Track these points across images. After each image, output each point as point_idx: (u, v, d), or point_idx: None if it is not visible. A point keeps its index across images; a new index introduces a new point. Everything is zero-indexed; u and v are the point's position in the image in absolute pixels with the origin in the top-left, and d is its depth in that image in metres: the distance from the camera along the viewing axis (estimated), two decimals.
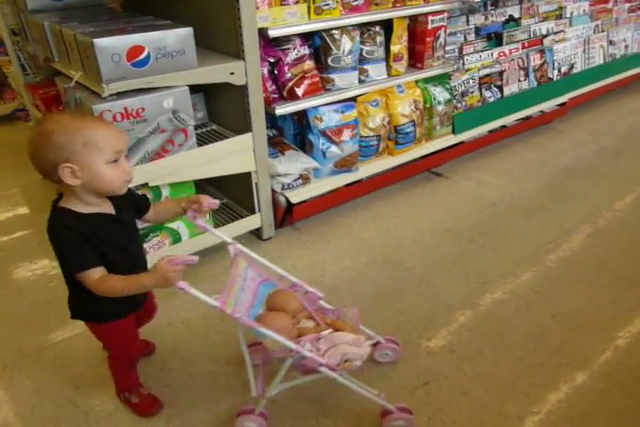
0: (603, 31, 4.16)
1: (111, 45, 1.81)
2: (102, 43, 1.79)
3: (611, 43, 4.20)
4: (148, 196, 2.21)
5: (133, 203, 1.53)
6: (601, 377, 1.86)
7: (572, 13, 3.99)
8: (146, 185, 2.14)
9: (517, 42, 3.59)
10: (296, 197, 2.60)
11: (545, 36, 3.74)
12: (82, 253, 1.33)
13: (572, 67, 3.93)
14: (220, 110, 2.52)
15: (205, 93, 2.53)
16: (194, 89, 2.15)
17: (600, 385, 1.83)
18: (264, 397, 1.60)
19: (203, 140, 2.35)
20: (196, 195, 1.54)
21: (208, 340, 2.06)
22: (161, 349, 2.01)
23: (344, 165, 2.75)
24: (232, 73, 2.15)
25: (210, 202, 1.52)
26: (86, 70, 1.97)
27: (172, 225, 2.28)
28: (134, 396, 1.77)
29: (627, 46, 4.37)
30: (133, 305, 1.59)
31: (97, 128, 1.31)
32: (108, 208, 1.43)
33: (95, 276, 1.33)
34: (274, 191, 2.57)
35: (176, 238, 2.31)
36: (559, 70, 3.84)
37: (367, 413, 1.71)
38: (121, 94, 1.92)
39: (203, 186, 2.71)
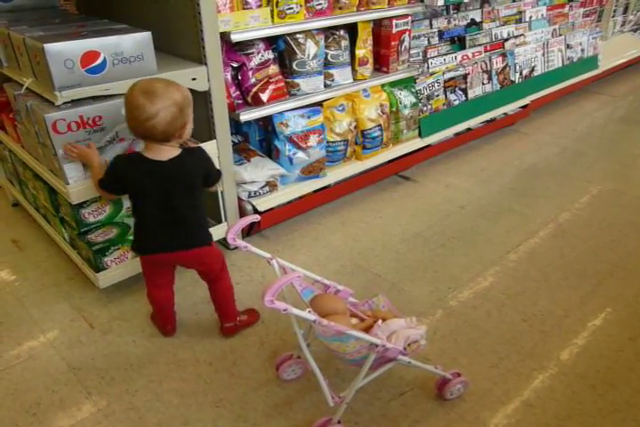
0: (560, 35, 4.26)
1: (63, 51, 1.71)
2: (54, 48, 1.69)
3: (568, 46, 4.30)
4: (108, 208, 2.12)
5: None
6: (573, 381, 1.87)
7: (530, 18, 4.06)
8: None
9: (480, 45, 3.62)
10: (263, 204, 2.54)
11: (506, 40, 3.79)
12: None
13: (532, 70, 4.00)
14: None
15: None
16: None
17: (573, 389, 1.84)
18: (344, 402, 1.61)
19: None
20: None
21: (176, 357, 1.98)
22: (127, 369, 1.93)
23: (311, 170, 2.71)
24: (194, 79, 2.07)
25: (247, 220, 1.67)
26: (37, 77, 1.86)
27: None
28: (243, 315, 2.06)
29: (583, 50, 4.47)
30: None
31: None
32: None
33: None
34: (240, 199, 2.50)
35: None
36: (521, 73, 3.90)
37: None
38: (76, 102, 1.82)
39: None
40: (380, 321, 1.60)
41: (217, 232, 2.44)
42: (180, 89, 1.61)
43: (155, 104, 1.52)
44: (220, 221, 2.46)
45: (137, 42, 1.85)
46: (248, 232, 2.64)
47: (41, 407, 1.77)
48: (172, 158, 1.66)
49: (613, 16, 4.96)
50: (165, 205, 1.72)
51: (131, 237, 2.17)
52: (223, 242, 2.58)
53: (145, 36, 1.87)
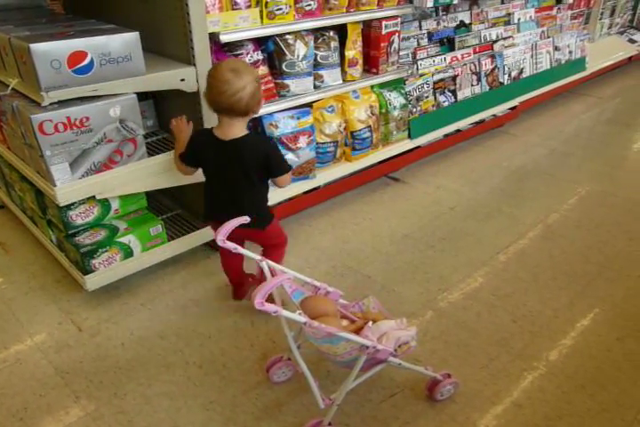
0: (548, 37, 4.29)
1: (50, 51, 1.69)
2: (40, 48, 1.67)
3: (556, 48, 4.33)
4: (96, 210, 2.10)
5: None
6: (563, 381, 1.88)
7: (519, 20, 4.08)
8: (93, 198, 2.02)
9: (469, 47, 3.64)
10: None
11: (495, 42, 3.81)
12: None
13: (521, 71, 4.02)
14: (172, 118, 2.41)
15: (155, 100, 2.42)
16: (142, 96, 2.05)
17: (562, 389, 1.84)
18: (334, 404, 1.60)
19: (154, 149, 2.24)
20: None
21: (165, 360, 1.96)
22: (116, 372, 1.91)
23: (301, 172, 2.70)
24: (182, 79, 2.06)
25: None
26: (23, 77, 1.84)
27: (123, 239, 2.16)
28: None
29: (570, 52, 4.51)
30: None
31: None
32: None
33: None
34: None
35: (127, 253, 2.20)
36: (509, 75, 3.92)
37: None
38: (63, 103, 1.80)
39: (156, 196, 2.59)
40: (370, 323, 1.60)
41: (204, 235, 2.43)
42: (254, 68, 1.84)
43: (242, 79, 1.69)
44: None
45: (125, 42, 1.83)
46: None
47: (28, 412, 1.75)
48: (236, 139, 1.79)
49: (601, 18, 5.01)
50: (224, 183, 1.90)
51: (118, 240, 2.16)
52: (212, 244, 2.56)
53: (133, 37, 1.85)
